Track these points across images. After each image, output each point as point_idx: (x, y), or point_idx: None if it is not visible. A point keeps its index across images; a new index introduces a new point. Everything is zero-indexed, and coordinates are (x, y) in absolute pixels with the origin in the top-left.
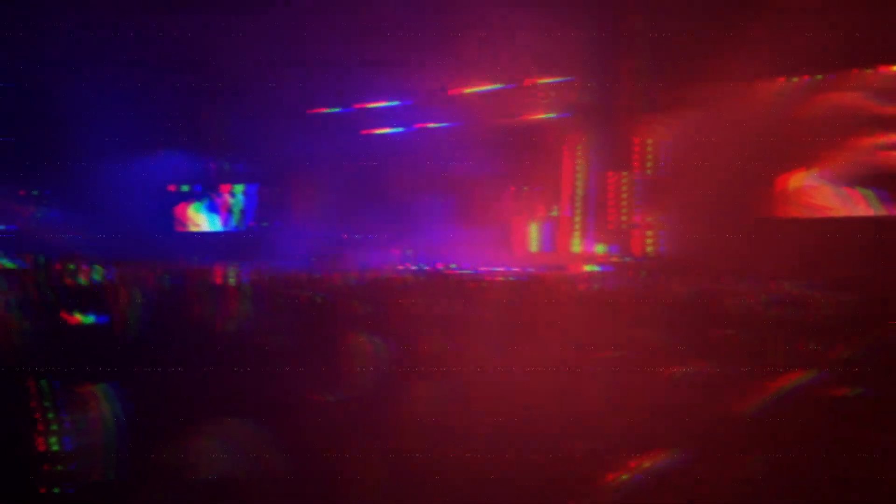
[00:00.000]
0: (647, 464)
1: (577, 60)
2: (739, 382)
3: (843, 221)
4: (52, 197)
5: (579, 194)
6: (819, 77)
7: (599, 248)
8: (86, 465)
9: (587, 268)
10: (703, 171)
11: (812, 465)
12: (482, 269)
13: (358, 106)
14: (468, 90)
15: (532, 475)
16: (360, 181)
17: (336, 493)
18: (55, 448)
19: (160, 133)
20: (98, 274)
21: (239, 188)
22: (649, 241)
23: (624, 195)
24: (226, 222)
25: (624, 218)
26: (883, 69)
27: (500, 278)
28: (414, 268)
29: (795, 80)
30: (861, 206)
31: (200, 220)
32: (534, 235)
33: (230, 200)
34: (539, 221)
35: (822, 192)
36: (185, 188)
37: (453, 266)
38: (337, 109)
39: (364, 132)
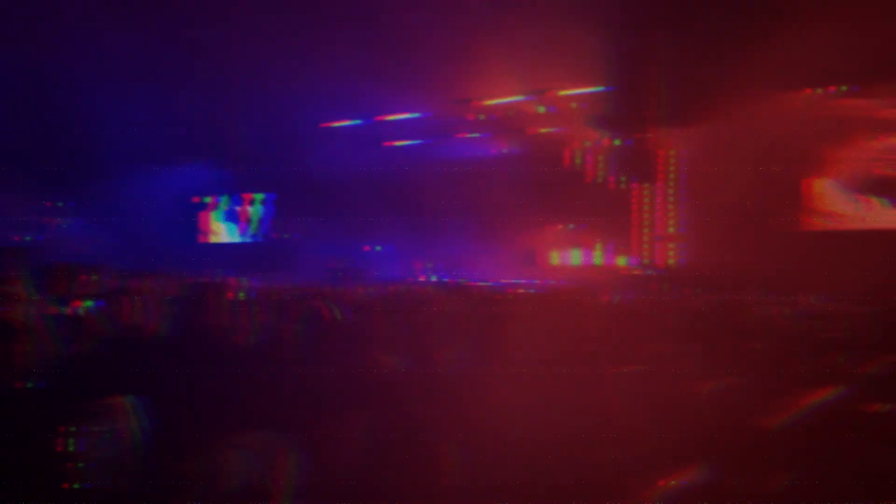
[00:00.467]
0: (674, 479)
1: (600, 72)
2: (765, 396)
3: (868, 233)
4: (75, 208)
5: (602, 206)
6: (844, 88)
7: (622, 261)
8: (112, 476)
9: (610, 280)
10: (726, 183)
11: (839, 482)
12: (504, 282)
13: (379, 118)
14: (490, 101)
15: (558, 490)
16: (381, 193)
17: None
18: (81, 459)
19: (183, 145)
20: (118, 284)
21: (260, 199)
22: (672, 252)
23: (647, 207)
24: (247, 233)
25: (647, 230)
26: None
27: (522, 291)
28: (435, 281)
29: (820, 91)
30: (886, 217)
31: (222, 231)
32: (555, 248)
33: (251, 212)
34: (561, 234)
35: (846, 204)
36: (207, 199)
37: (474, 279)
38: (358, 121)
39: (386, 144)
